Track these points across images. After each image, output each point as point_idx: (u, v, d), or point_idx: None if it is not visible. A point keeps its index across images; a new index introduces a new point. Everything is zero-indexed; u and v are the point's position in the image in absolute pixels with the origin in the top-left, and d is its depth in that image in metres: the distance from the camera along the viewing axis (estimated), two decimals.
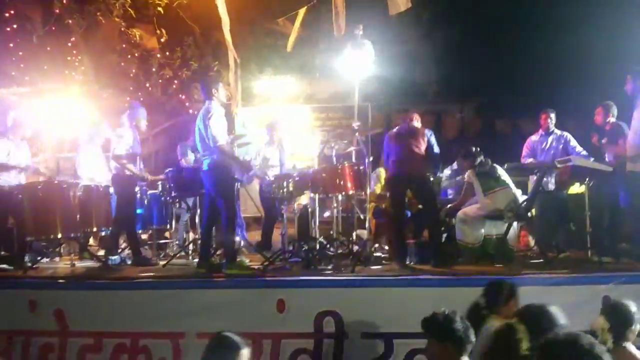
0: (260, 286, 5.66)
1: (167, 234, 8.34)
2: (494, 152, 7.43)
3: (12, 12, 11.43)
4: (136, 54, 12.98)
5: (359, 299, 5.45)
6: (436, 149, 6.39)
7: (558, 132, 7.56)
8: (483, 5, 14.54)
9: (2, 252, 6.81)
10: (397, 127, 6.61)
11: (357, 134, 6.68)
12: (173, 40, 13.26)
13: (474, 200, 6.56)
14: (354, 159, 7.14)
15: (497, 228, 6.38)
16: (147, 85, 13.14)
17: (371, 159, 6.69)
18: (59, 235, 6.31)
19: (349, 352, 5.38)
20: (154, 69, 13.16)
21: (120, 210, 6.99)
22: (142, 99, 12.46)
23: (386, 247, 7.11)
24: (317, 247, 6.39)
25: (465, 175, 6.49)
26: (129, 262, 7.08)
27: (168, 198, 7.36)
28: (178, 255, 7.20)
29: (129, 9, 11.92)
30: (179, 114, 13.30)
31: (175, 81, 13.39)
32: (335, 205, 6.87)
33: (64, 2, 11.42)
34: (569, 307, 4.99)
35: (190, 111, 13.24)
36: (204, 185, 6.26)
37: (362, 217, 7.06)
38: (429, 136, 6.36)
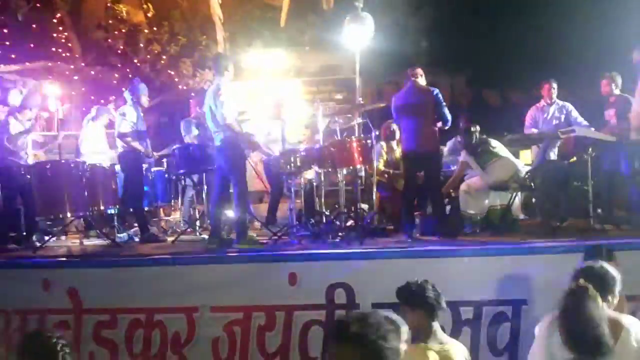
0: (272, 260, 5.74)
1: (172, 210, 8.41)
2: (484, 123, 7.58)
3: None
4: (123, 30, 12.87)
5: (369, 271, 5.54)
6: (444, 110, 6.29)
7: (560, 102, 7.63)
8: None
9: (10, 233, 6.82)
10: (403, 91, 6.56)
11: (362, 108, 6.69)
12: (160, 14, 13.14)
13: (476, 173, 6.65)
14: (356, 133, 7.20)
15: (501, 198, 6.49)
16: (135, 61, 13.05)
17: (377, 133, 6.72)
18: (68, 215, 6.35)
19: None
20: (141, 45, 13.06)
21: (127, 188, 7.03)
22: (130, 75, 12.42)
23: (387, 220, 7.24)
24: (324, 220, 6.46)
25: (461, 156, 6.57)
26: (137, 239, 7.16)
27: (173, 175, 7.38)
28: (186, 231, 7.26)
29: None
30: (169, 89, 13.24)
31: (164, 56, 13.32)
32: (340, 179, 6.92)
33: None
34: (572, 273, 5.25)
35: (180, 87, 13.23)
36: (212, 161, 6.30)
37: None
38: (435, 95, 6.27)
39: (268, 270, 5.66)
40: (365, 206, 7.31)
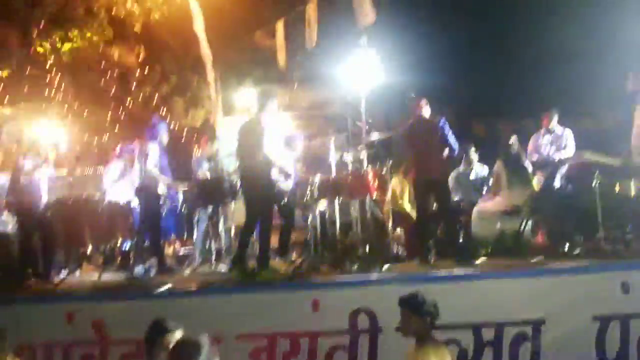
0: (294, 288, 5.86)
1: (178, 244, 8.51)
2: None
3: None
4: (115, 72, 13.11)
5: (390, 296, 5.65)
6: (451, 138, 6.52)
7: (560, 129, 7.91)
8: (457, 8, 14.93)
9: (28, 268, 6.88)
10: (409, 123, 6.79)
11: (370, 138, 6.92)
12: (152, 56, 13.41)
13: (489, 196, 6.86)
14: (365, 164, 7.41)
15: (513, 222, 6.67)
16: (128, 101, 13.26)
17: (390, 162, 6.92)
18: (88, 248, 6.43)
19: (384, 347, 5.61)
20: (133, 86, 13.30)
21: (145, 222, 7.13)
22: (123, 115, 12.64)
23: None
24: (341, 249, 6.60)
25: (496, 166, 6.75)
26: (152, 272, 7.22)
27: (188, 208, 7.52)
28: (201, 263, 7.35)
29: (107, 27, 12.01)
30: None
31: (156, 96, 13.56)
32: (353, 208, 7.08)
33: (41, 26, 11.50)
34: (590, 294, 5.44)
35: (172, 125, 13.44)
36: (234, 194, 6.44)
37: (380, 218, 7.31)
38: (442, 125, 6.49)
39: (291, 298, 5.78)
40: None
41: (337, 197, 6.54)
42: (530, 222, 6.62)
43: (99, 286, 6.46)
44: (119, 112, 13.15)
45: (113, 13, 11.78)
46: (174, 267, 7.30)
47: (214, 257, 7.42)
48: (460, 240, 6.75)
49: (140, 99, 13.55)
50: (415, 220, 6.71)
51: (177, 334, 3.58)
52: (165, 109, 13.71)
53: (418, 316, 3.90)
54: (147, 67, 13.60)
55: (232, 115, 12.01)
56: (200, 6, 10.65)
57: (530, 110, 8.27)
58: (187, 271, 7.17)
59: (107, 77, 13.14)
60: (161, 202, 7.47)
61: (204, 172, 8.34)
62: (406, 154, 6.83)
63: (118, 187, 7.90)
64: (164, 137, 7.41)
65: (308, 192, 6.39)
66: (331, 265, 6.45)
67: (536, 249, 6.92)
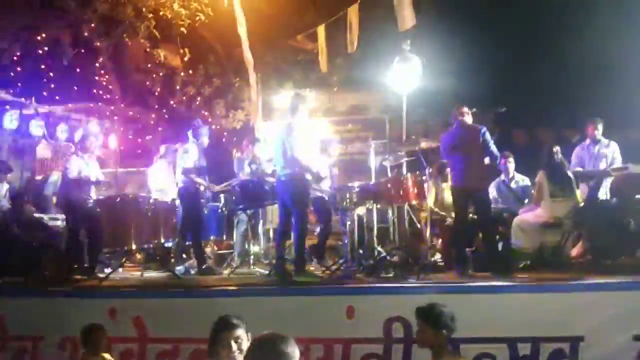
0: (330, 293, 5.89)
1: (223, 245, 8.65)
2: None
3: (43, 35, 11.93)
4: (160, 73, 13.38)
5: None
6: (492, 147, 6.50)
7: (606, 141, 7.74)
8: (500, 15, 14.70)
9: (74, 264, 7.11)
10: (451, 130, 6.78)
11: (418, 146, 6.92)
12: (196, 58, 13.64)
13: (530, 207, 6.77)
14: (404, 170, 7.41)
15: (554, 235, 6.57)
16: (172, 102, 13.52)
17: (430, 170, 6.91)
18: (133, 247, 6.62)
19: (418, 357, 5.59)
20: (177, 87, 13.55)
21: (186, 222, 7.30)
22: (166, 115, 12.90)
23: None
24: (377, 255, 6.62)
25: (538, 176, 6.67)
26: (192, 272, 7.39)
27: (230, 209, 7.66)
28: (240, 264, 7.48)
29: (153, 30, 12.28)
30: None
31: (198, 98, 13.78)
32: (391, 215, 7.09)
33: (92, 25, 11.83)
34: (632, 312, 5.30)
35: (213, 127, 13.64)
36: (274, 196, 6.54)
37: (419, 226, 7.30)
38: (483, 134, 6.47)
39: (326, 304, 5.81)
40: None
41: (375, 203, 6.55)
42: (571, 236, 6.49)
43: (141, 284, 6.64)
44: (163, 113, 13.43)
45: (160, 14, 12.04)
46: (213, 267, 7.44)
47: (252, 258, 7.54)
48: (499, 252, 6.66)
49: (183, 100, 13.82)
50: (453, 229, 6.67)
51: (240, 331, 3.59)
52: (207, 111, 13.95)
53: (433, 329, 3.91)
54: (191, 69, 13.86)
55: (271, 119, 12.13)
56: (244, 9, 10.79)
57: (572, 120, 8.10)
58: (226, 272, 7.30)
59: (153, 78, 13.44)
60: (202, 203, 7.64)
61: (244, 174, 8.50)
62: (447, 161, 6.77)
63: (162, 186, 8.12)
64: (205, 139, 7.58)
65: (347, 197, 6.41)
66: (367, 272, 6.46)
67: (577, 263, 6.82)
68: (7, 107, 7.19)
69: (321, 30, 9.63)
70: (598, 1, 12.49)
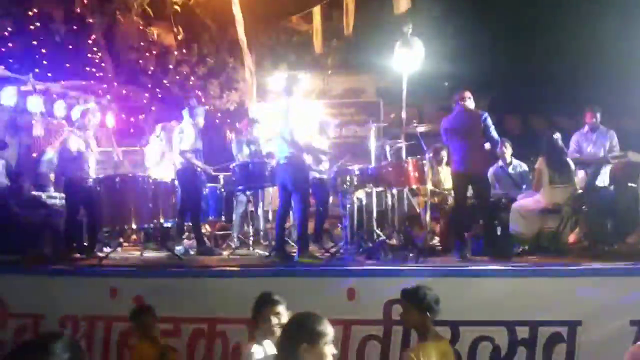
0: (331, 275, 5.94)
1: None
2: None
3: (35, 11, 11.76)
4: (154, 52, 13.26)
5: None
6: (493, 132, 6.53)
7: (604, 128, 7.78)
8: (500, 4, 14.67)
9: (73, 243, 7.10)
10: (452, 114, 6.79)
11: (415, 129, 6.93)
12: (189, 37, 13.52)
13: (529, 193, 6.82)
14: (404, 154, 7.42)
15: (553, 220, 6.63)
16: (165, 81, 13.43)
17: (431, 154, 6.93)
18: (133, 226, 6.62)
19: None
20: (171, 66, 13.44)
21: (185, 202, 7.30)
22: (160, 95, 12.81)
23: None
24: (377, 238, 6.66)
25: (538, 162, 6.71)
26: (191, 252, 7.40)
27: (229, 190, 7.65)
28: (239, 245, 7.51)
29: (147, 8, 12.14)
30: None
31: (192, 77, 13.69)
32: (389, 198, 7.13)
33: (85, 1, 11.68)
34: (629, 297, 5.38)
35: (207, 107, 13.55)
36: (271, 178, 6.54)
37: (418, 210, 7.34)
38: (484, 119, 6.49)
39: (328, 285, 5.85)
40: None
41: (375, 187, 6.57)
42: (570, 222, 6.55)
43: (141, 263, 6.65)
44: (156, 92, 13.32)
45: None
46: (213, 248, 7.46)
47: (251, 239, 7.56)
48: (498, 236, 6.72)
49: (177, 80, 13.70)
50: (452, 213, 6.71)
51: (281, 307, 3.90)
52: (200, 91, 13.85)
53: (417, 310, 3.98)
54: (185, 48, 13.73)
55: (265, 100, 12.10)
56: None
57: (566, 108, 8.12)
58: (226, 252, 7.32)
59: (146, 57, 13.31)
60: (200, 184, 7.63)
61: (243, 155, 8.49)
62: (447, 145, 6.79)
63: (158, 166, 8.10)
64: (201, 120, 7.54)
65: (347, 180, 6.42)
66: (366, 254, 6.51)
67: (575, 249, 6.90)
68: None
69: (317, 12, 9.57)
70: None
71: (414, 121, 7.19)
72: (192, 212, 7.31)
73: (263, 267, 6.24)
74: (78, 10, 11.85)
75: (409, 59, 8.23)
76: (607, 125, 7.85)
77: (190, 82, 13.72)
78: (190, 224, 7.45)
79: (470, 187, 6.57)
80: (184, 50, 13.58)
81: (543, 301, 5.52)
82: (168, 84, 13.43)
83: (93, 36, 12.64)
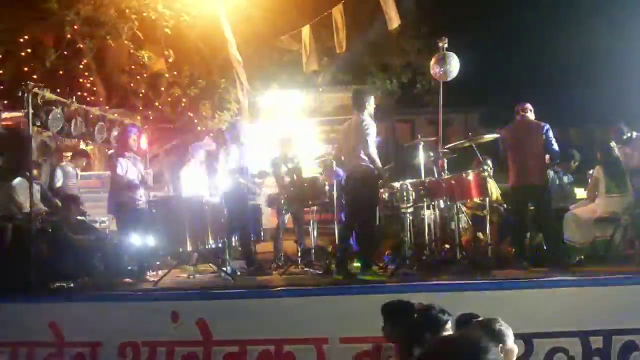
0: (397, 291, 5.82)
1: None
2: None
3: (26, 37, 11.70)
4: (145, 75, 13.23)
5: (497, 301, 5.66)
6: (554, 145, 6.52)
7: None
8: (484, 14, 14.76)
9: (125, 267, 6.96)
10: (512, 125, 6.78)
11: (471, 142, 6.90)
12: (181, 58, 13.51)
13: (582, 202, 6.83)
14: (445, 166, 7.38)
15: (608, 230, 6.63)
16: (157, 103, 13.39)
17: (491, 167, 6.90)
18: (188, 248, 6.50)
19: None
20: (162, 88, 13.41)
21: (233, 222, 7.19)
22: (152, 117, 12.76)
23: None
24: (436, 252, 6.61)
25: (594, 171, 6.71)
26: (238, 273, 7.28)
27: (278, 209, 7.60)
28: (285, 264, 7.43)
29: (137, 32, 12.14)
30: (188, 130, 13.57)
31: (184, 99, 13.66)
32: (447, 212, 7.05)
33: (75, 27, 11.64)
34: None
35: (199, 128, 13.54)
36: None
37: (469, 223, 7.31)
38: (546, 131, 6.49)
39: None
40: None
41: (437, 200, 6.53)
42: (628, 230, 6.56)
43: (196, 286, 6.52)
44: (148, 114, 13.26)
45: (144, 15, 11.88)
46: (263, 268, 7.34)
47: (300, 258, 7.47)
48: (558, 247, 6.70)
49: (169, 102, 13.66)
50: (513, 225, 6.69)
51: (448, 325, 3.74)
52: (192, 112, 13.82)
53: (392, 325, 4.01)
54: (176, 70, 13.71)
55: (257, 119, 12.15)
56: (228, 10, 10.71)
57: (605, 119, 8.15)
58: (275, 272, 7.22)
59: (137, 80, 13.26)
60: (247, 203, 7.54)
61: (280, 173, 8.42)
62: (508, 158, 6.76)
63: (195, 187, 7.98)
64: (242, 137, 7.47)
65: (406, 194, 6.38)
66: (425, 269, 6.44)
67: (631, 257, 6.89)
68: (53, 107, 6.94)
69: (306, 31, 9.57)
70: None
71: (470, 134, 7.15)
72: (241, 232, 7.22)
73: (327, 287, 6.12)
74: (69, 35, 11.75)
75: (444, 73, 8.20)
76: None
77: (182, 104, 13.68)
78: (239, 243, 7.34)
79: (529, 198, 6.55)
80: (175, 73, 13.54)
81: (614, 310, 5.50)
82: (160, 106, 13.38)
83: (84, 61, 12.57)
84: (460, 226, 6.90)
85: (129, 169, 6.91)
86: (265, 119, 12.29)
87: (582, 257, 6.70)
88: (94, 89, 12.80)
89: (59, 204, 7.51)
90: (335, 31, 9.00)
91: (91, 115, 8.08)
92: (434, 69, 8.16)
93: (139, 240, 6.80)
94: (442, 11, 15.41)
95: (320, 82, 14.47)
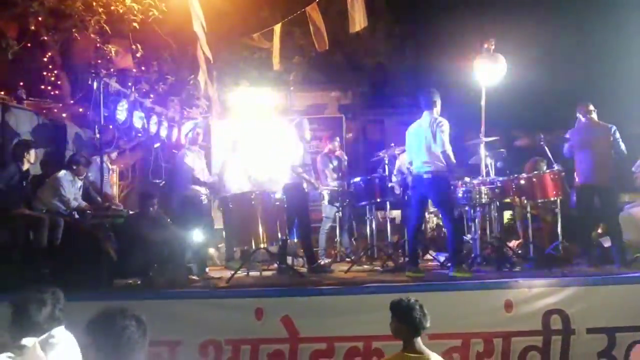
0: (486, 287, 5.92)
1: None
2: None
3: None
4: (112, 70, 12.98)
5: (582, 297, 5.80)
6: (622, 145, 6.65)
7: None
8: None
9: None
10: (579, 126, 6.91)
11: (541, 142, 7.03)
12: (149, 54, 13.31)
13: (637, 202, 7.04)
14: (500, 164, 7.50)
15: None
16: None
17: (559, 165, 7.03)
18: (262, 245, 6.40)
19: (575, 347, 5.74)
20: (130, 84, 13.17)
21: (293, 219, 7.10)
22: None
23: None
24: (505, 249, 6.71)
25: None
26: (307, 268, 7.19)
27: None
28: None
29: (105, 25, 11.92)
30: None
31: (152, 94, 13.47)
32: (513, 211, 7.16)
33: (40, 18, 11.34)
34: None
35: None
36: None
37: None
38: (614, 132, 6.64)
39: (483, 297, 5.86)
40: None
41: (513, 199, 6.63)
42: None
43: (277, 282, 6.44)
44: None
45: (112, 8, 11.62)
46: (325, 265, 7.29)
47: (362, 255, 7.45)
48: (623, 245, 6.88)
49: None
50: (580, 224, 6.83)
51: None
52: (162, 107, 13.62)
53: (398, 321, 4.04)
54: (144, 65, 13.46)
55: (226, 116, 12.11)
56: (200, 6, 10.62)
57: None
58: (339, 269, 7.19)
59: (104, 74, 12.96)
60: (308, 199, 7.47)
61: (328, 170, 8.41)
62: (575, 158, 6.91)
63: (238, 184, 7.86)
64: (307, 134, 7.41)
65: (481, 192, 6.44)
66: (506, 266, 6.52)
67: None
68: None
69: (277, 29, 9.58)
70: None
71: (541, 135, 7.27)
72: (302, 229, 7.14)
73: (415, 283, 6.13)
74: (32, 27, 11.39)
75: (490, 74, 8.31)
76: None
77: (150, 99, 13.48)
78: (300, 241, 7.27)
79: (595, 197, 6.72)
80: (143, 68, 13.31)
81: None
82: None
83: (49, 54, 12.22)
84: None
85: (195, 162, 6.75)
86: (235, 116, 12.18)
87: (639, 255, 6.89)
88: (59, 83, 12.41)
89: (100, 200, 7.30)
90: (314, 29, 8.94)
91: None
92: (480, 70, 8.27)
93: (201, 236, 6.65)
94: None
95: (292, 81, 14.44)
